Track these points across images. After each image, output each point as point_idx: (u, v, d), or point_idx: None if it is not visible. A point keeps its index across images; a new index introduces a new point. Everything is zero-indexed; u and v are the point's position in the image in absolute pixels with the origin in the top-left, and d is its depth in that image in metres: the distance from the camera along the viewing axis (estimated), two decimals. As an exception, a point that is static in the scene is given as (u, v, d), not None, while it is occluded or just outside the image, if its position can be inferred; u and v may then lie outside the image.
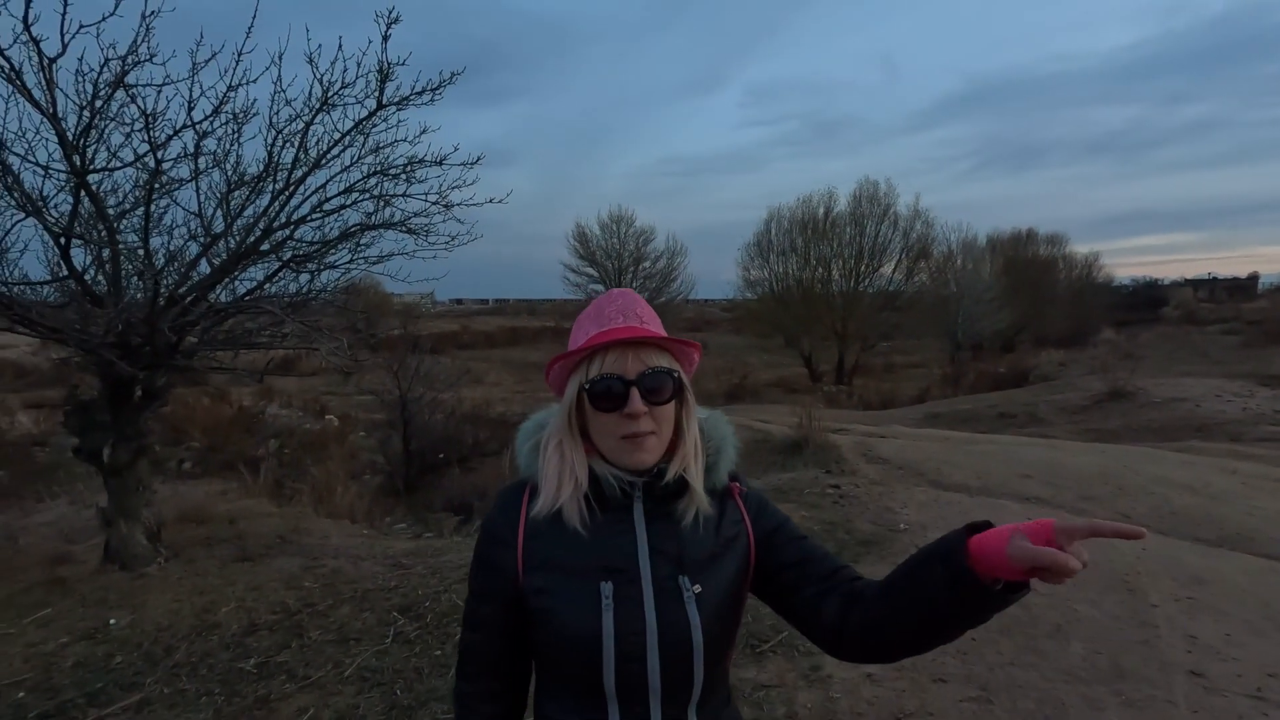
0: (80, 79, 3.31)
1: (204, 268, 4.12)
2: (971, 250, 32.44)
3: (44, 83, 3.21)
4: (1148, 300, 48.21)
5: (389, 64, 3.85)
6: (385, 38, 3.72)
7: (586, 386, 1.01)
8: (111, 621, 3.68)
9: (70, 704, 2.95)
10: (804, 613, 1.04)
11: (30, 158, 3.48)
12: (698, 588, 0.99)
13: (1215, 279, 59.71)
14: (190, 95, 3.49)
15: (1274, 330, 24.31)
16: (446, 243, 4.55)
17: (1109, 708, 2.63)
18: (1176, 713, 2.59)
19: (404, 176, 4.31)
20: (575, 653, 0.98)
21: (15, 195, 3.52)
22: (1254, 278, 57.16)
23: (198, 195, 4.00)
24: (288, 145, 3.99)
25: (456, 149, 4.20)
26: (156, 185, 3.61)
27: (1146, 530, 0.83)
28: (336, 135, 4.03)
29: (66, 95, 3.32)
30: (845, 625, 0.99)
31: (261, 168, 4.01)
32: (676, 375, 1.03)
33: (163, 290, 3.80)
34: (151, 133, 3.38)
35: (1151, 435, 10.47)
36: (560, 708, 1.02)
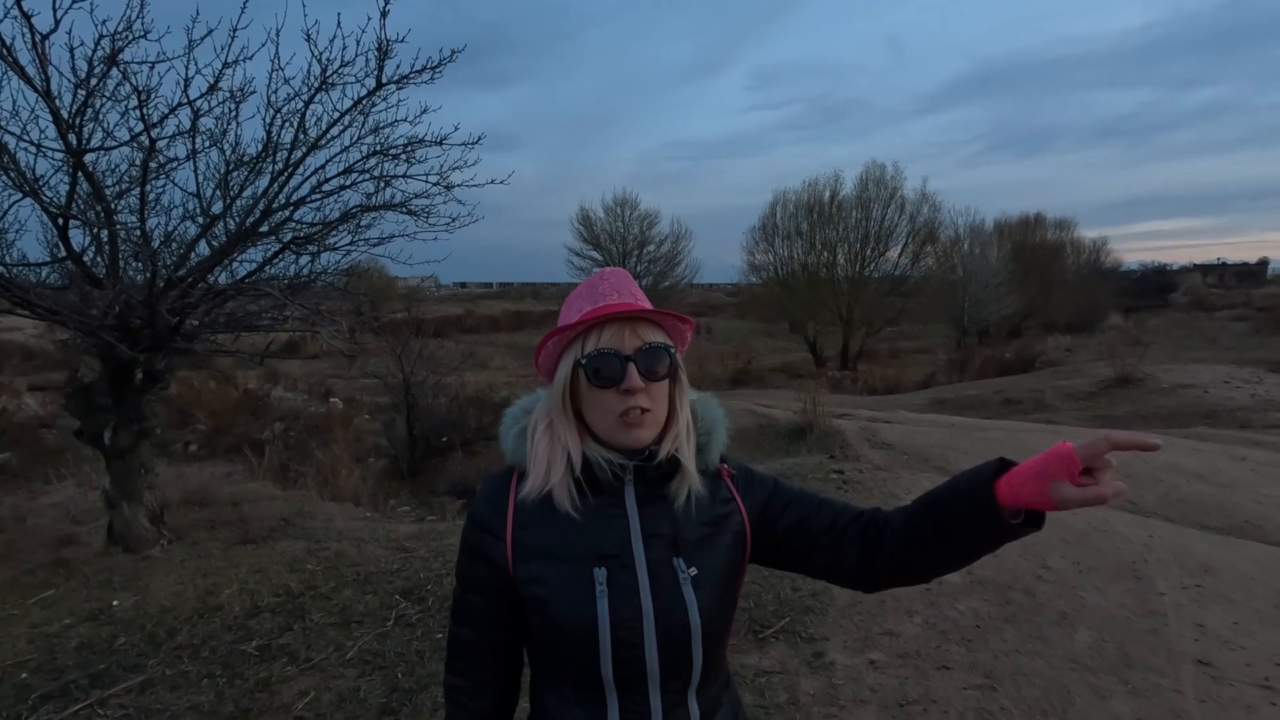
0: (74, 56, 3.25)
1: (203, 249, 4.09)
2: (979, 235, 32.16)
3: (37, 59, 3.15)
4: (1156, 286, 47.80)
5: (388, 41, 3.78)
6: (384, 14, 3.64)
7: (583, 362, 0.98)
8: (115, 603, 3.69)
9: (74, 685, 2.96)
10: (824, 569, 1.06)
11: (25, 137, 3.44)
12: (693, 570, 0.97)
13: (1225, 264, 59.21)
14: (186, 73, 3.43)
15: (1284, 316, 24.07)
16: (448, 224, 4.49)
17: (1115, 696, 2.60)
18: (1184, 702, 2.56)
19: (404, 157, 4.24)
20: (571, 642, 0.95)
21: (11, 175, 3.48)
22: (1264, 263, 56.67)
23: (195, 176, 3.96)
24: (286, 125, 3.93)
25: (457, 128, 4.14)
26: (152, 164, 3.56)
27: (1160, 442, 0.85)
28: (336, 115, 3.97)
29: (60, 73, 3.27)
30: (873, 569, 1.01)
31: (260, 148, 3.95)
32: (673, 351, 1.00)
33: (161, 272, 3.76)
34: (145, 110, 3.32)
35: (1160, 422, 10.40)
36: (558, 698, 1.00)
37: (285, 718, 2.71)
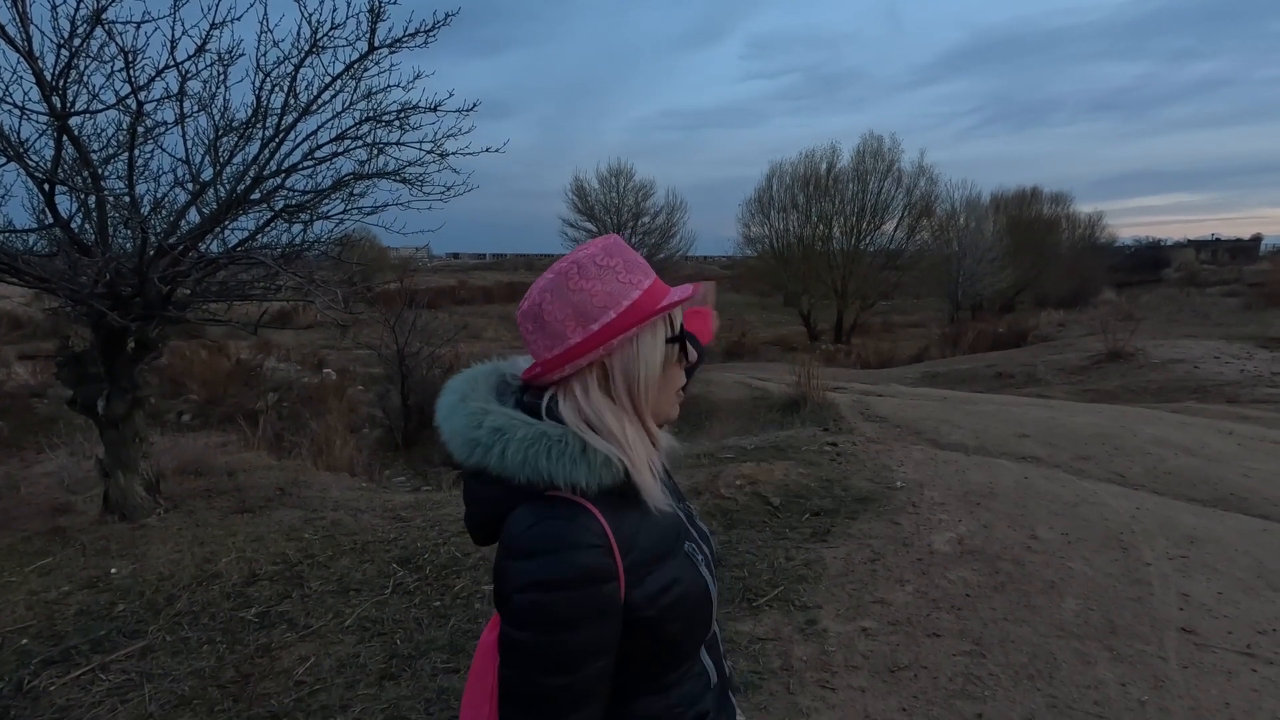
0: (56, 14, 3.16)
1: (193, 217, 4.02)
2: (975, 209, 31.99)
3: (17, 18, 3.06)
4: (1150, 261, 47.86)
5: (380, 3, 3.68)
6: (376, -26, 3.54)
7: (675, 339, 0.93)
8: (113, 571, 3.70)
9: (74, 650, 2.99)
10: None
11: (8, 99, 3.35)
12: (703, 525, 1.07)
13: (1218, 240, 59.30)
14: (172, 34, 3.34)
15: (1275, 292, 24.21)
16: (442, 193, 4.44)
17: (1100, 662, 2.66)
18: (1167, 668, 2.62)
19: (398, 124, 4.17)
20: (698, 621, 0.95)
21: (-5, 138, 3.40)
22: (1257, 239, 56.77)
23: (184, 141, 3.88)
24: (276, 89, 3.85)
25: (451, 94, 4.06)
26: (140, 129, 3.49)
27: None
28: (327, 79, 3.88)
29: (42, 32, 3.17)
30: None
31: (250, 113, 3.87)
32: None
33: (151, 239, 3.70)
34: (132, 72, 3.24)
35: (1149, 396, 10.50)
36: (662, 697, 0.93)
37: (286, 682, 2.75)
